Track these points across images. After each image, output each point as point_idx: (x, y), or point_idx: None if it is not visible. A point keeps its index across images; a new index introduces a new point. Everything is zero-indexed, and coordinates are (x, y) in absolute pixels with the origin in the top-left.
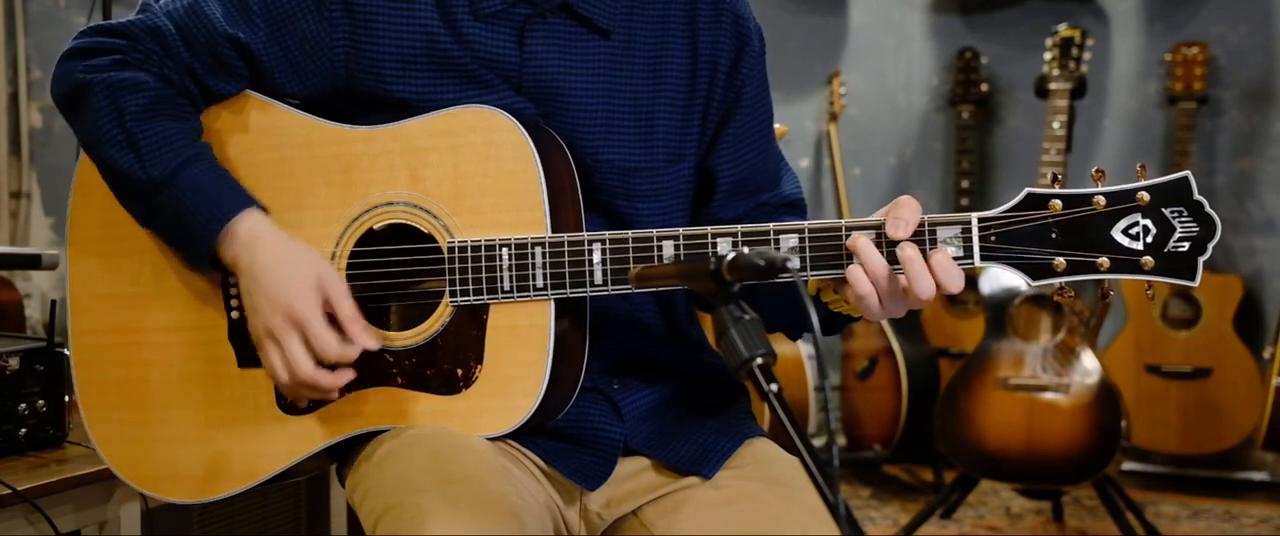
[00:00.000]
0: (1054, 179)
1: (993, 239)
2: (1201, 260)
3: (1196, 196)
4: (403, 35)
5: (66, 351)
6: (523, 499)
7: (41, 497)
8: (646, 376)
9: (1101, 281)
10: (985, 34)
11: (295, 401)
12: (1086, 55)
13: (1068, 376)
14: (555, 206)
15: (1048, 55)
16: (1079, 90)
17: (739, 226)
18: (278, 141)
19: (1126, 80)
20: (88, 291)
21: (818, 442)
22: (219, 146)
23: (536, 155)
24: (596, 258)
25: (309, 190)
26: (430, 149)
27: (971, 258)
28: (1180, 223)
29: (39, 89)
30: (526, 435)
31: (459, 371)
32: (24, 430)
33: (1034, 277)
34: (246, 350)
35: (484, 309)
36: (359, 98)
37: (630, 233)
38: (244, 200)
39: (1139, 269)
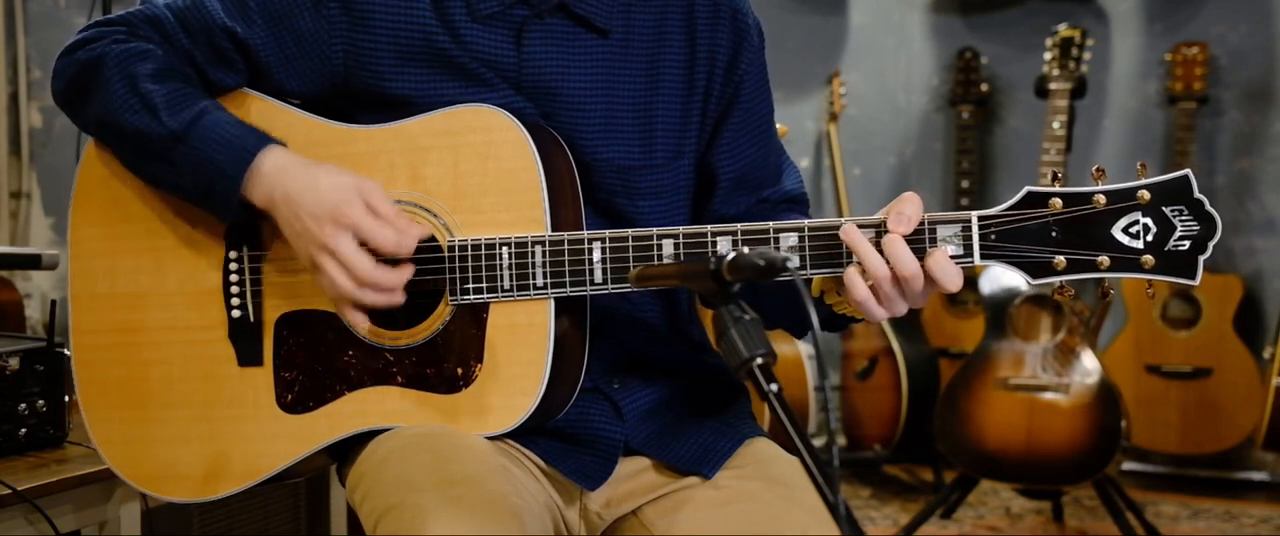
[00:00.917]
0: (1054, 177)
1: (993, 237)
2: (1202, 259)
3: (1197, 195)
4: (400, 32)
5: (66, 351)
6: (523, 499)
7: (41, 497)
8: (647, 376)
9: (1102, 280)
10: (985, 34)
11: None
12: (1086, 55)
13: (1068, 376)
14: (555, 205)
15: (1048, 55)
16: (1079, 90)
17: (738, 225)
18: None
19: (1126, 80)
20: (88, 291)
21: (818, 442)
22: None
23: (536, 154)
24: (596, 256)
25: None
26: (430, 148)
27: (971, 256)
28: (1181, 221)
29: (39, 89)
30: (527, 435)
31: (459, 370)
32: (24, 430)
33: (1034, 276)
34: (246, 350)
35: (484, 308)
36: (358, 96)
37: (630, 231)
38: (264, 139)
39: (1139, 268)
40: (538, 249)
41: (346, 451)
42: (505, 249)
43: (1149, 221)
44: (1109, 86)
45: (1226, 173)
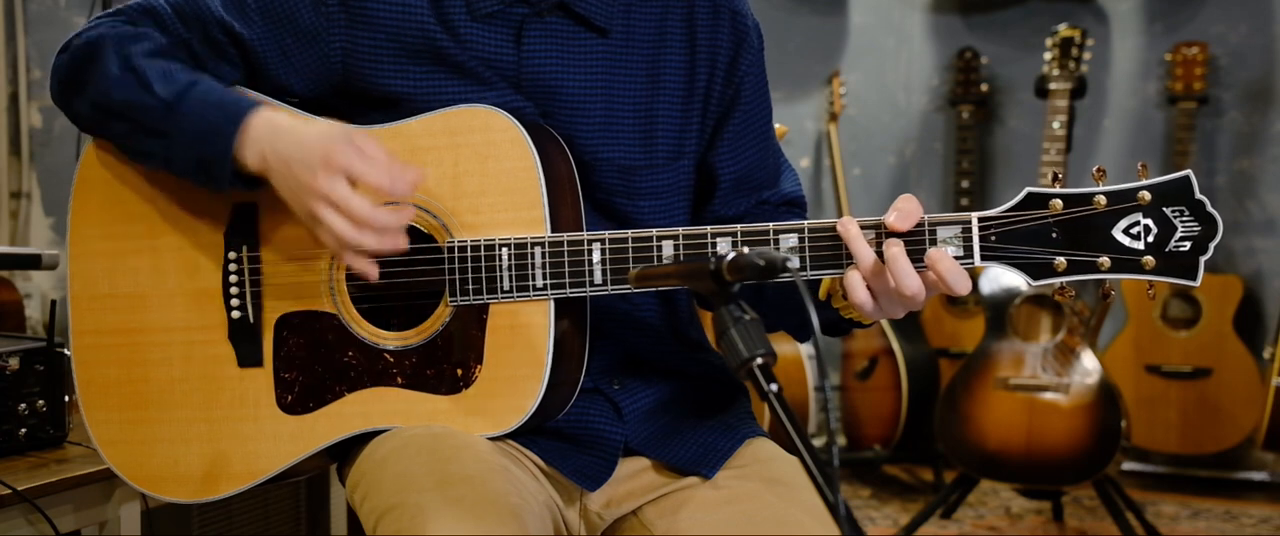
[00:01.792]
0: (1055, 178)
1: (993, 238)
2: (1203, 260)
3: (1198, 196)
4: (399, 31)
5: (66, 351)
6: (523, 499)
7: (41, 497)
8: (647, 376)
9: (1102, 281)
10: (985, 34)
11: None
12: (1086, 55)
13: (1068, 376)
14: (555, 206)
15: (1048, 55)
16: (1079, 90)
17: (738, 226)
18: None
19: (1126, 80)
20: (88, 291)
21: (818, 442)
22: None
23: (536, 154)
24: (596, 257)
25: None
26: (430, 148)
27: (972, 257)
28: (1181, 222)
29: (39, 89)
30: (527, 435)
31: (459, 371)
32: (24, 430)
33: (1035, 277)
34: (246, 350)
35: (484, 309)
36: (357, 94)
37: (630, 232)
38: (254, 101)
39: (1140, 268)
40: (537, 250)
41: (346, 451)
42: (505, 250)
43: (1150, 222)
44: (1109, 86)
45: (1226, 173)
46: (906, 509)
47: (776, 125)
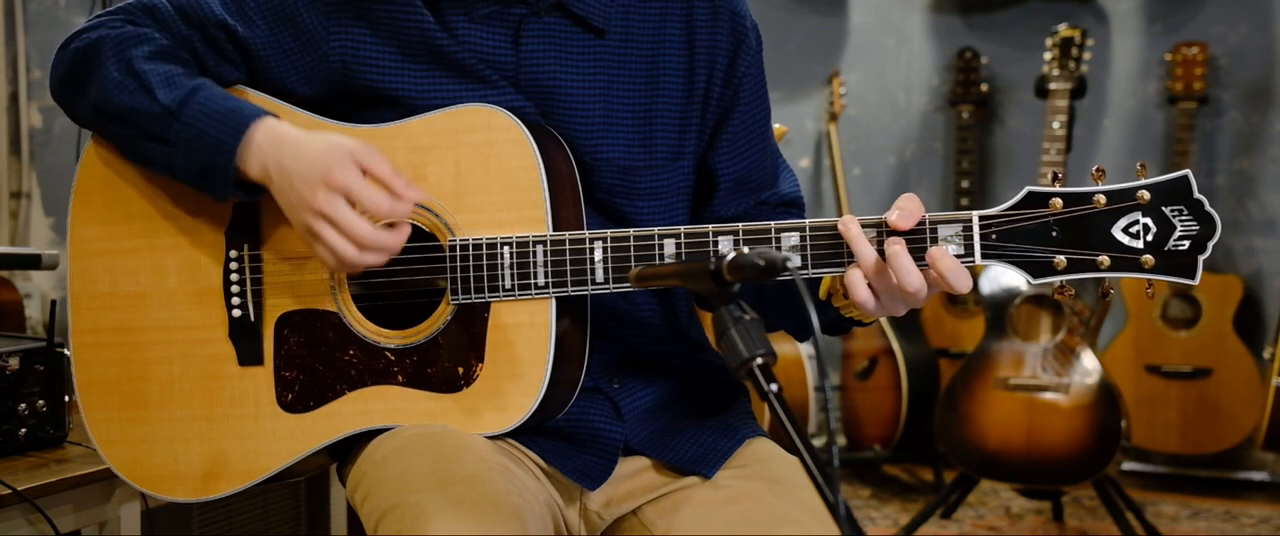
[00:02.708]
0: (1055, 177)
1: (993, 237)
2: (1202, 259)
3: (1197, 195)
4: (399, 31)
5: (66, 351)
6: (524, 498)
7: (41, 497)
8: (647, 376)
9: (1102, 280)
10: (985, 34)
11: (300, 398)
12: (1086, 55)
13: (1068, 376)
14: (556, 205)
15: (1048, 55)
16: (1079, 90)
17: (740, 225)
18: None
19: (1126, 80)
20: (88, 290)
21: (818, 442)
22: None
23: (538, 153)
24: (598, 256)
25: None
26: (432, 147)
27: (972, 256)
28: (1180, 221)
29: (39, 89)
30: (527, 434)
31: (460, 370)
32: (24, 430)
33: (1035, 276)
34: (246, 349)
35: (485, 307)
36: (359, 95)
37: (631, 231)
38: (259, 110)
39: (1139, 267)
40: (539, 248)
41: (347, 451)
42: (506, 248)
43: (1149, 221)
44: (1109, 86)
45: (1226, 173)
46: (906, 509)
47: (776, 125)
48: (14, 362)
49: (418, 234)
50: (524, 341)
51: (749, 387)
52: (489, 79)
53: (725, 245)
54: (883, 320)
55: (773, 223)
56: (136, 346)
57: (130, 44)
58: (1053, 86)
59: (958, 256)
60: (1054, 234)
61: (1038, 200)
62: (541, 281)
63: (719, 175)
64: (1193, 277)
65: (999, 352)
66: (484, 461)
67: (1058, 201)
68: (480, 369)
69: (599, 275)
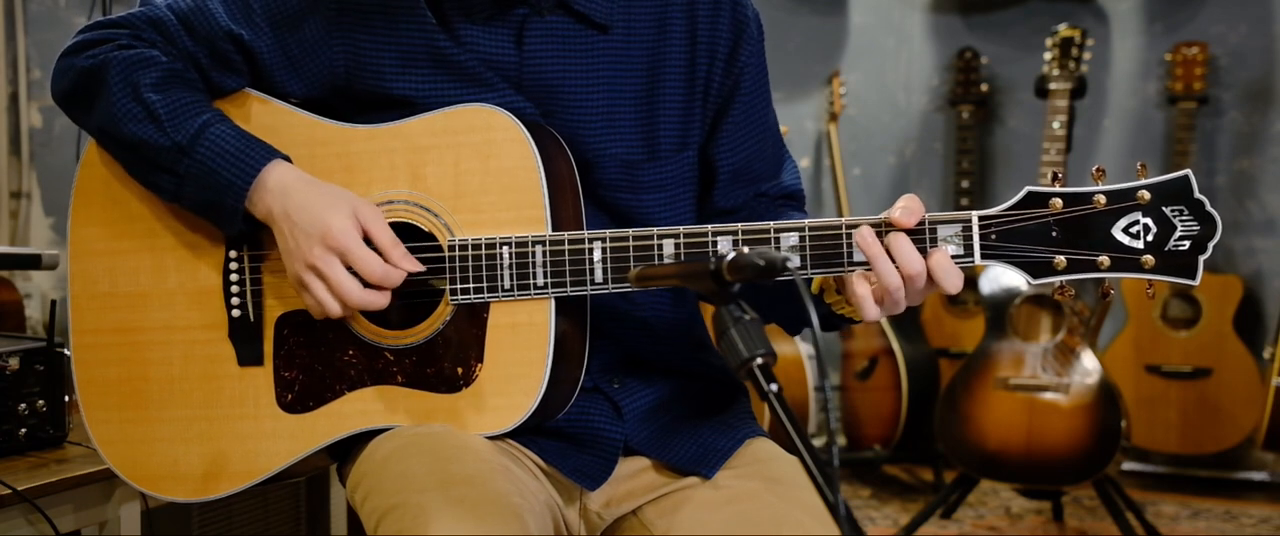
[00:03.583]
0: (1054, 177)
1: (993, 237)
2: (1202, 259)
3: (1197, 195)
4: (402, 34)
5: (66, 351)
6: (524, 498)
7: (41, 497)
8: (647, 376)
9: (1102, 280)
10: (985, 34)
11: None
12: (1086, 55)
13: (1068, 376)
14: (556, 204)
15: (1048, 55)
16: (1079, 90)
17: (739, 225)
18: (280, 140)
19: (1126, 80)
20: (88, 291)
21: (818, 442)
22: None
23: (537, 153)
24: (597, 256)
25: None
26: (431, 147)
27: (972, 256)
28: (1181, 221)
29: (39, 89)
30: (527, 434)
31: (459, 370)
32: (24, 430)
33: (1034, 276)
34: (246, 349)
35: (484, 307)
36: (360, 97)
37: (630, 231)
38: (269, 153)
39: (1139, 267)
40: (538, 248)
41: (347, 451)
42: (505, 248)
43: (1149, 221)
44: (1109, 86)
45: (1226, 173)
46: (906, 509)
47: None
48: (14, 362)
49: (417, 234)
50: (523, 341)
51: (749, 387)
52: (491, 82)
53: (724, 245)
54: (883, 320)
55: (772, 223)
56: (137, 347)
57: (137, 68)
58: (1053, 86)
59: (957, 257)
60: (1054, 234)
61: (1037, 200)
62: (541, 281)
63: (718, 166)
64: (1193, 278)
65: (999, 352)
66: (484, 461)
67: (1058, 201)
68: (480, 369)
69: (598, 275)
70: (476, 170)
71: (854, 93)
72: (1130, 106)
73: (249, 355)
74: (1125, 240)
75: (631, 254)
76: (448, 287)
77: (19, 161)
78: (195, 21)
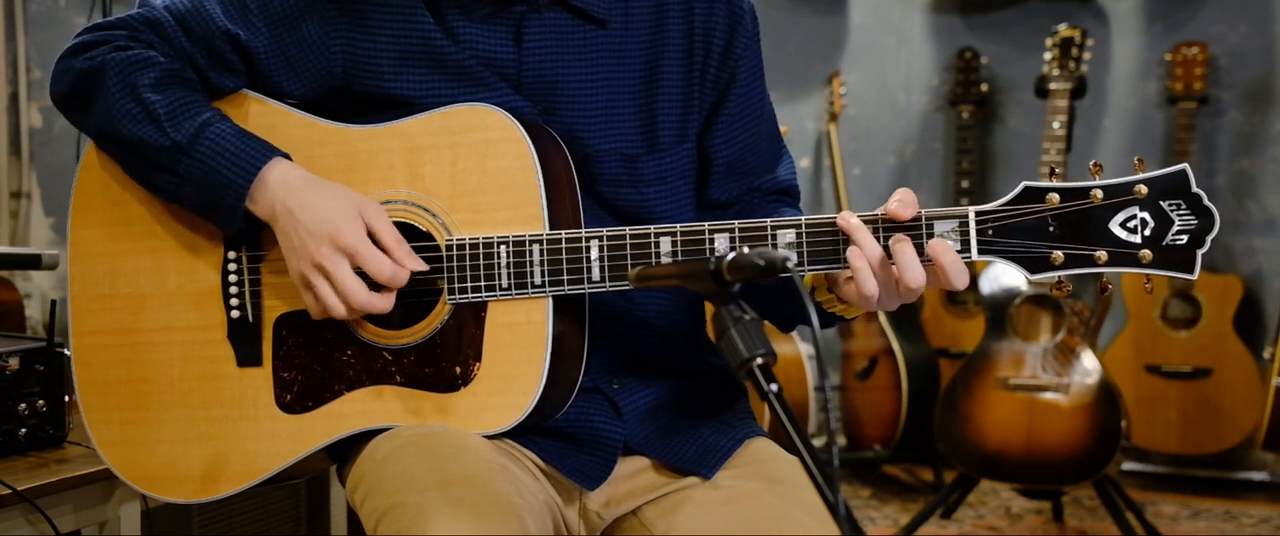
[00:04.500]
0: (1052, 172)
1: (990, 232)
2: (1200, 253)
3: (1194, 189)
4: (400, 34)
5: (66, 351)
6: (524, 498)
7: (41, 497)
8: (646, 376)
9: (1100, 276)
10: (985, 34)
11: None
12: (1086, 55)
13: (1068, 376)
14: (553, 203)
15: (1048, 55)
16: (1079, 90)
17: (736, 222)
18: (278, 140)
19: (1126, 80)
20: (88, 292)
21: (818, 442)
22: None
23: (534, 153)
24: (594, 254)
25: None
26: (429, 147)
27: (969, 251)
28: (1178, 216)
29: (39, 89)
30: (526, 434)
31: (458, 369)
32: (24, 430)
33: (1031, 271)
34: (246, 350)
35: (482, 306)
36: (357, 97)
37: (628, 229)
38: (270, 151)
39: (1137, 262)
40: (535, 247)
41: (346, 451)
42: (503, 247)
43: (1146, 216)
44: (1109, 86)
45: (1226, 173)
46: (906, 509)
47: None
48: (14, 362)
49: (415, 233)
50: (521, 340)
51: (749, 387)
52: (489, 81)
53: (721, 243)
54: (883, 320)
55: (768, 220)
56: (137, 348)
57: (135, 69)
58: (1053, 86)
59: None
60: (1051, 229)
61: (1034, 195)
62: (538, 280)
63: (713, 158)
64: (1191, 272)
65: (999, 352)
66: (483, 461)
67: (1054, 196)
68: (478, 368)
69: (596, 273)
70: (474, 170)
71: (854, 93)
72: (1130, 106)
73: (248, 356)
74: (1123, 235)
75: (629, 251)
76: (446, 287)
77: (19, 161)
78: (192, 22)
